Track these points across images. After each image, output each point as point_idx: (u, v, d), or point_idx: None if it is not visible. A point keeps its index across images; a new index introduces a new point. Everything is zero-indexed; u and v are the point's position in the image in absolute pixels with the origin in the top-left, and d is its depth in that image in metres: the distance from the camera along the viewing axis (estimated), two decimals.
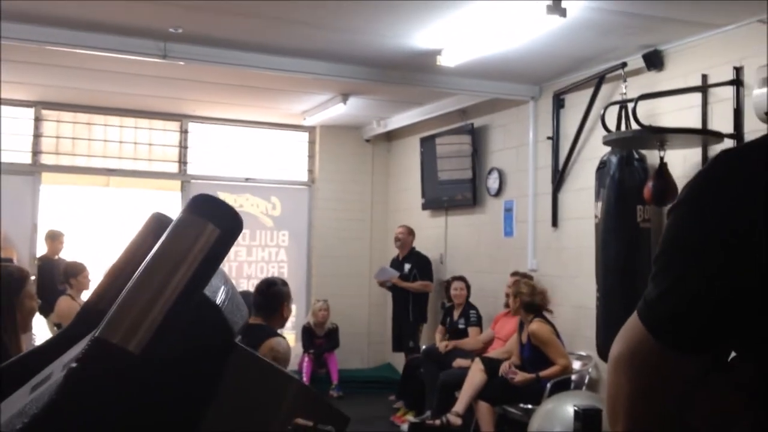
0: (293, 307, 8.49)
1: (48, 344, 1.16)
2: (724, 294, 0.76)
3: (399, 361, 7.49)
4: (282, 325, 3.67)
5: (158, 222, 1.10)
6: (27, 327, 2.64)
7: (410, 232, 7.27)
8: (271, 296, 3.59)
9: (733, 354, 0.84)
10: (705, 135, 4.44)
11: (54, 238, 7.18)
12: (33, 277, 6.73)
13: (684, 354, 0.80)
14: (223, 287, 0.89)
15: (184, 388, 0.76)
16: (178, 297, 0.73)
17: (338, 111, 7.13)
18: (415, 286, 7.03)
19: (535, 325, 5.12)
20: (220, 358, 0.80)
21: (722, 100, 4.49)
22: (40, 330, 5.98)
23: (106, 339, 0.69)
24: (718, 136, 4.32)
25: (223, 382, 0.79)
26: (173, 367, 0.74)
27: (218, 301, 0.84)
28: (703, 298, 0.77)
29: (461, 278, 6.60)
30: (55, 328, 5.52)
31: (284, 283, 3.75)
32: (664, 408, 0.83)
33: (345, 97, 6.80)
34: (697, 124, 4.60)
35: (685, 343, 0.79)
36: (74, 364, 0.68)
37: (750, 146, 0.81)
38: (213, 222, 0.77)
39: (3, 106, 7.22)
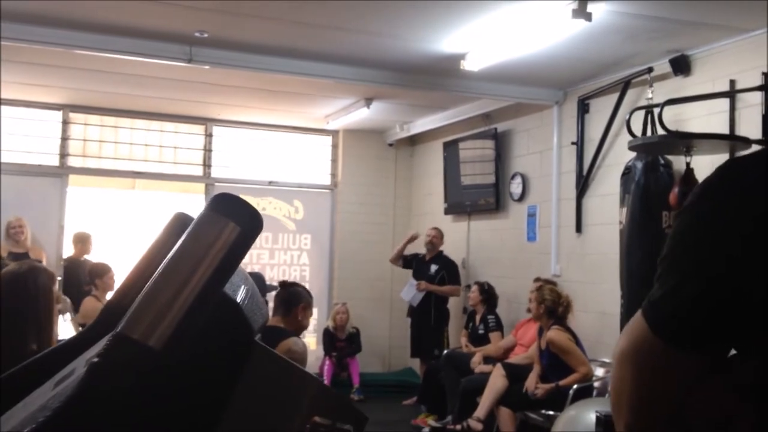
0: (315, 310, 8.55)
1: (71, 341, 1.18)
2: (725, 295, 0.80)
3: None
4: (298, 331, 3.68)
5: (181, 221, 1.11)
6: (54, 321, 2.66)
7: (441, 235, 7.25)
8: (289, 295, 3.63)
9: (732, 352, 0.86)
10: (732, 141, 4.38)
11: (82, 240, 7.26)
12: (59, 278, 6.87)
13: (684, 351, 0.83)
14: (243, 286, 0.89)
15: (203, 385, 0.77)
16: (198, 294, 0.74)
17: (362, 115, 7.15)
18: (444, 290, 7.02)
19: (553, 333, 5.06)
20: (240, 355, 0.80)
21: (750, 105, 4.42)
22: (66, 330, 6.05)
23: (127, 334, 0.69)
24: (746, 142, 4.27)
25: (242, 380, 0.80)
26: (193, 363, 0.75)
27: (238, 299, 0.85)
28: (704, 298, 0.81)
29: (478, 283, 6.59)
30: (80, 329, 5.58)
31: (305, 290, 3.81)
32: (665, 403, 0.86)
33: (368, 101, 6.81)
34: (724, 129, 4.54)
35: (685, 341, 0.83)
36: (95, 359, 0.68)
37: (755, 155, 0.86)
38: (234, 220, 0.78)
39: (31, 109, 7.34)
